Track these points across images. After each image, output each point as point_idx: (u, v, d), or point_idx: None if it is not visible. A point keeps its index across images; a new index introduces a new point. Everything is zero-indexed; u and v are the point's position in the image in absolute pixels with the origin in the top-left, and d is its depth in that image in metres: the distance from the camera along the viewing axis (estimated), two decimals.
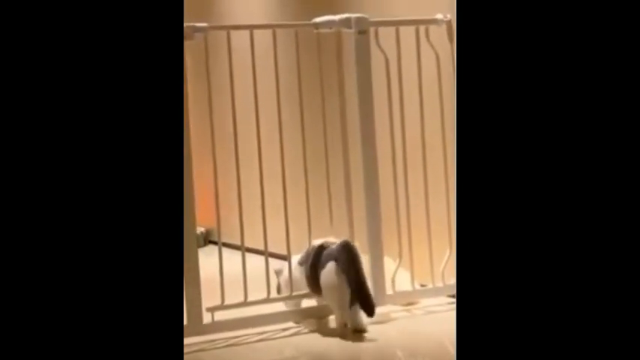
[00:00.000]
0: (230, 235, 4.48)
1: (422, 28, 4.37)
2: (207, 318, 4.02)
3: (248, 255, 4.17)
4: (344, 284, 4.01)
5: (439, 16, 4.36)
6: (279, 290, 4.26)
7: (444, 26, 4.36)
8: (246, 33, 4.20)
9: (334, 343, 3.92)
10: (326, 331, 4.07)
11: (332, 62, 4.34)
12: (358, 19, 4.27)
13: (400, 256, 4.34)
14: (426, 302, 4.36)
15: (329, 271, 4.06)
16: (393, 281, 4.31)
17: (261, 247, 4.21)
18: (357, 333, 3.99)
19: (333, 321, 4.15)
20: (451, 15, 4.34)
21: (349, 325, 4.02)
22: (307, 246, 4.22)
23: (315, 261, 4.12)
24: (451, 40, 4.35)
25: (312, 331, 4.08)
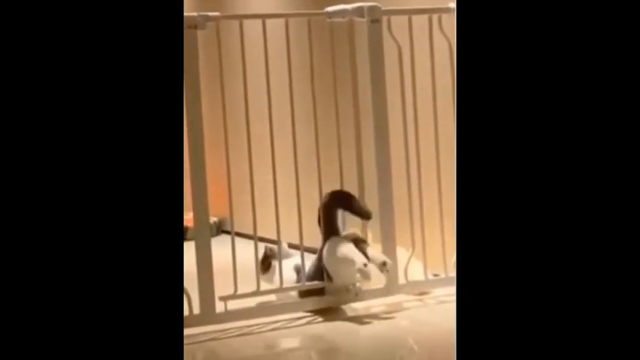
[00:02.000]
0: (243, 225, 4.48)
1: (434, 17, 4.36)
2: (220, 307, 4.02)
3: (261, 245, 4.17)
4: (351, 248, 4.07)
5: (451, 4, 4.34)
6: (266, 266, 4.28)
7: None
8: (258, 22, 4.19)
9: (346, 333, 3.92)
10: (338, 321, 4.07)
11: (344, 51, 4.33)
12: (371, 8, 4.26)
13: (413, 246, 4.33)
14: (438, 292, 4.35)
15: (331, 247, 4.10)
16: (405, 271, 4.31)
17: (274, 237, 4.21)
18: (384, 267, 4.04)
19: (345, 310, 4.15)
20: None
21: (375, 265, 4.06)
22: (320, 237, 4.22)
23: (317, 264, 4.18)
24: None
25: (323, 321, 4.08)
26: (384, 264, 4.04)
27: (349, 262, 4.06)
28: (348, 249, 4.10)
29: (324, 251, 4.16)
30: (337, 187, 4.28)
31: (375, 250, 4.14)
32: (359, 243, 4.13)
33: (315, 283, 4.17)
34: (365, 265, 4.00)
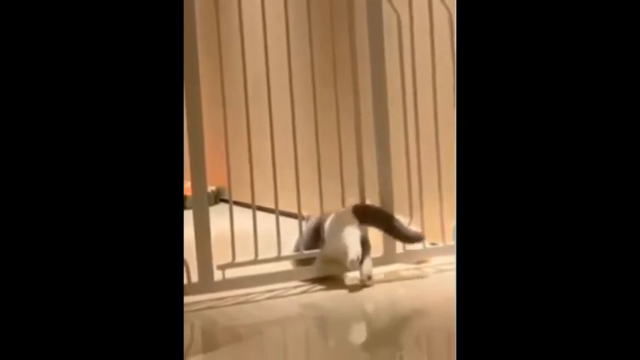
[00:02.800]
0: (241, 194, 4.48)
1: None
2: (218, 275, 4.03)
3: (259, 213, 4.17)
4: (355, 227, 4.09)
5: None
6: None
7: None
8: None
9: (343, 301, 3.93)
10: (335, 289, 4.08)
11: (343, 20, 4.31)
12: None
13: (411, 214, 4.33)
14: (436, 261, 4.36)
15: (336, 220, 4.11)
16: None
17: (272, 206, 4.21)
18: (366, 283, 4.05)
19: (342, 278, 4.16)
20: None
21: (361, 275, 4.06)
22: (319, 205, 4.23)
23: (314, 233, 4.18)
24: None
25: (321, 289, 4.09)
26: (368, 278, 4.07)
27: (344, 250, 4.08)
28: (350, 236, 4.11)
29: (328, 223, 4.17)
30: (336, 156, 4.28)
31: (369, 261, 4.13)
32: (364, 244, 4.14)
33: (314, 252, 4.18)
34: (357, 258, 4.05)
